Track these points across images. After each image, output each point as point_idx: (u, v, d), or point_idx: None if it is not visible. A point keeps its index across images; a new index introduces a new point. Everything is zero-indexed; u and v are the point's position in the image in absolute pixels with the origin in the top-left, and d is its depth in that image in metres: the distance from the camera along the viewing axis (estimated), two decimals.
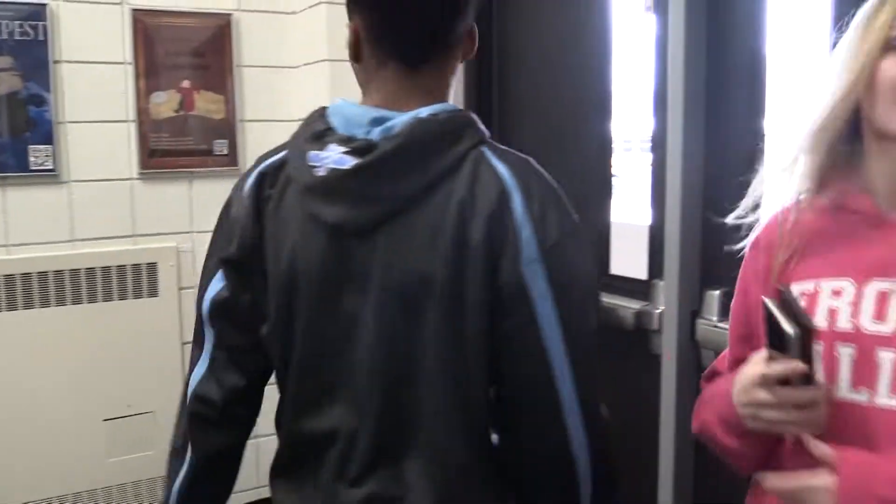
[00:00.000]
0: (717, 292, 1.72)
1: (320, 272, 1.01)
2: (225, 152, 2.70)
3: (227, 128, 2.70)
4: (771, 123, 1.62)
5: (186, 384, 1.16)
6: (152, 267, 2.61)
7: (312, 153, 0.99)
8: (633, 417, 1.88)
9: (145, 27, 2.55)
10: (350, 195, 0.97)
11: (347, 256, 0.99)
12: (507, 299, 0.94)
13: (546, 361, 0.95)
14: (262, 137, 2.75)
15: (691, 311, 1.75)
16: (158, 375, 2.62)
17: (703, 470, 1.78)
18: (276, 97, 2.78)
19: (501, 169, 0.96)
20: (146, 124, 2.58)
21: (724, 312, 1.67)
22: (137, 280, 2.58)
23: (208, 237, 1.14)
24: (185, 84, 2.63)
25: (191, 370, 1.15)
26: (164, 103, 2.60)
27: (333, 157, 0.97)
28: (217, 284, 1.11)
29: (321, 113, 1.05)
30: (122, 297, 2.57)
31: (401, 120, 0.97)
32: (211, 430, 1.14)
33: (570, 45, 2.17)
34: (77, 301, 2.52)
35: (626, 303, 1.91)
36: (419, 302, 0.96)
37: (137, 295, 2.59)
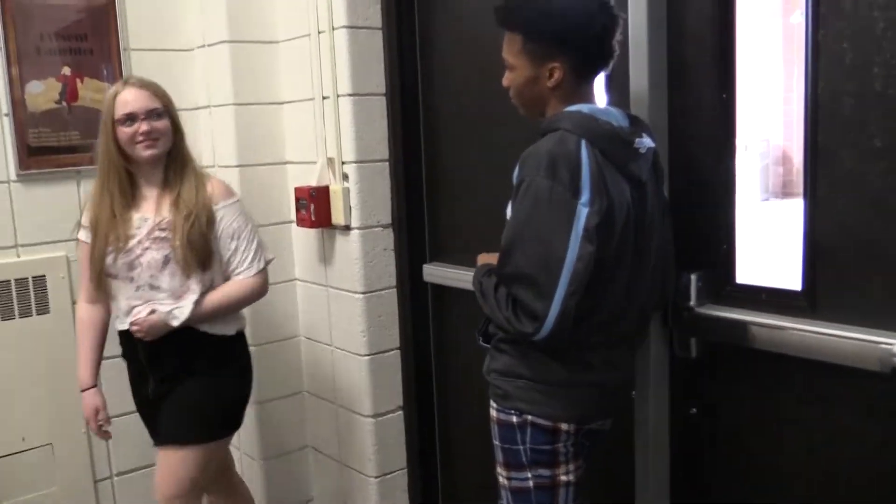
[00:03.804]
0: None
1: None
2: None
3: None
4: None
5: None
6: (40, 280, 2.34)
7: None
8: None
9: (14, 7, 2.26)
10: None
11: None
12: None
13: None
14: None
15: None
16: (55, 403, 2.38)
17: None
18: (172, 83, 2.47)
19: None
20: (23, 118, 2.29)
21: None
22: (24, 296, 2.34)
23: None
24: (66, 71, 2.36)
25: None
26: (42, 94, 2.32)
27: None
28: None
29: None
30: (7, 318, 2.31)
31: None
32: None
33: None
34: None
35: None
36: None
37: (25, 313, 2.33)
